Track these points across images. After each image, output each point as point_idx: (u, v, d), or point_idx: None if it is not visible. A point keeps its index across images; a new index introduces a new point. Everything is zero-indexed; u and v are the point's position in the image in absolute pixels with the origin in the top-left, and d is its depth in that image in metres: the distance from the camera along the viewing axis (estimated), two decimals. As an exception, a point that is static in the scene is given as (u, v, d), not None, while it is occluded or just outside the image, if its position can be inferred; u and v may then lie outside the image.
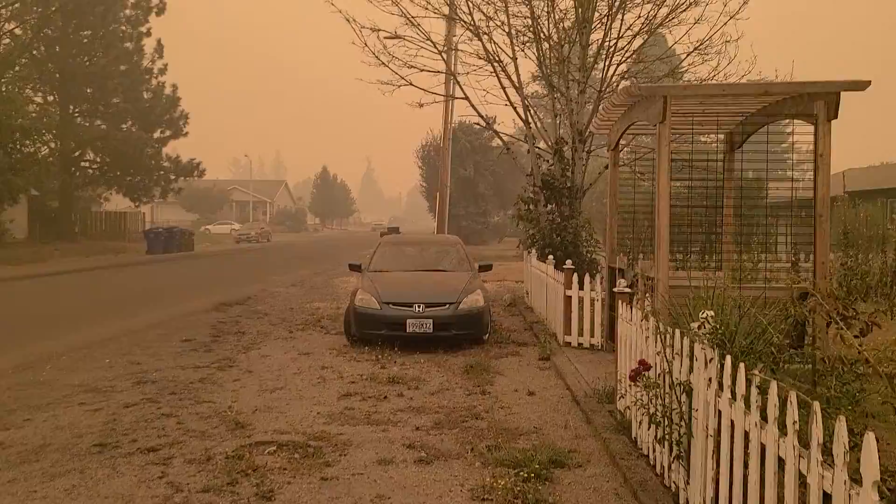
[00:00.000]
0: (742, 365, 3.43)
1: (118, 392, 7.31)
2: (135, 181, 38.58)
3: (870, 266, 15.24)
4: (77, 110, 37.89)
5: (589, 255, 14.73)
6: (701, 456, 3.96)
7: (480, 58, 14.58)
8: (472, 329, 10.13)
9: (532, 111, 15.38)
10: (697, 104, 7.91)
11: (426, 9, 14.57)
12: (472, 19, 14.54)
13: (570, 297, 9.93)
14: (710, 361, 3.84)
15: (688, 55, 15.18)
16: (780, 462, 3.02)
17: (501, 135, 16.47)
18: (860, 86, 6.43)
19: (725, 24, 14.31)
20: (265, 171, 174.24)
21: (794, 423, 2.87)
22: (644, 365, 4.84)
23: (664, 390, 4.54)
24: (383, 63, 14.54)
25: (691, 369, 4.20)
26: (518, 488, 4.70)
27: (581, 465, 5.29)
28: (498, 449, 5.54)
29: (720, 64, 14.24)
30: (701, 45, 14.81)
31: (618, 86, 14.97)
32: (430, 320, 9.76)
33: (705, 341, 3.93)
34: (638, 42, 14.54)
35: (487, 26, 14.57)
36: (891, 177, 27.86)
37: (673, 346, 4.50)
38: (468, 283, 10.57)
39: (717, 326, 4.04)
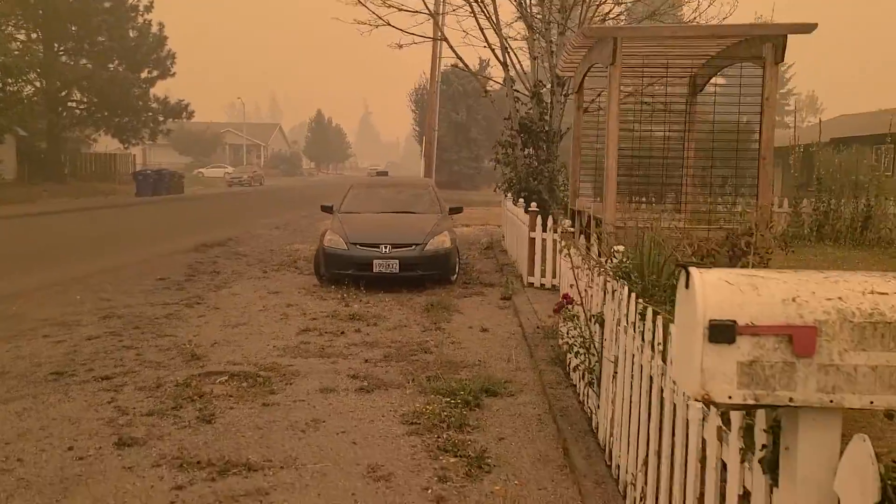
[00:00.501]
0: (633, 296, 3.64)
1: (83, 326, 7.56)
2: (123, 122, 38.33)
3: (841, 211, 15.43)
4: (62, 48, 37.35)
5: (565, 199, 14.87)
6: (606, 381, 4.21)
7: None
8: (439, 270, 10.35)
9: (512, 53, 15.30)
10: (658, 48, 7.96)
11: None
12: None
13: (534, 238, 10.13)
14: (614, 293, 4.05)
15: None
16: (652, 380, 3.26)
17: (481, 77, 16.38)
18: (806, 28, 6.50)
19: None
20: (261, 115, 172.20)
21: (659, 343, 3.10)
22: (567, 299, 5.06)
23: (584, 323, 4.77)
24: (360, 2, 14.39)
25: (604, 302, 4.42)
26: (445, 413, 4.98)
27: (513, 393, 5.57)
28: (437, 379, 5.80)
29: (700, 6, 14.12)
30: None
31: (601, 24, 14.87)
32: (397, 261, 9.97)
33: (610, 274, 4.13)
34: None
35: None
36: (876, 123, 27.78)
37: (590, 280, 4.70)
38: (436, 224, 10.75)
39: (624, 261, 4.24)
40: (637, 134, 9.23)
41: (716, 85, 9.17)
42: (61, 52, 37.56)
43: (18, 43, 34.07)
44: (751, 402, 1.72)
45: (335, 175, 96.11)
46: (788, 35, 6.62)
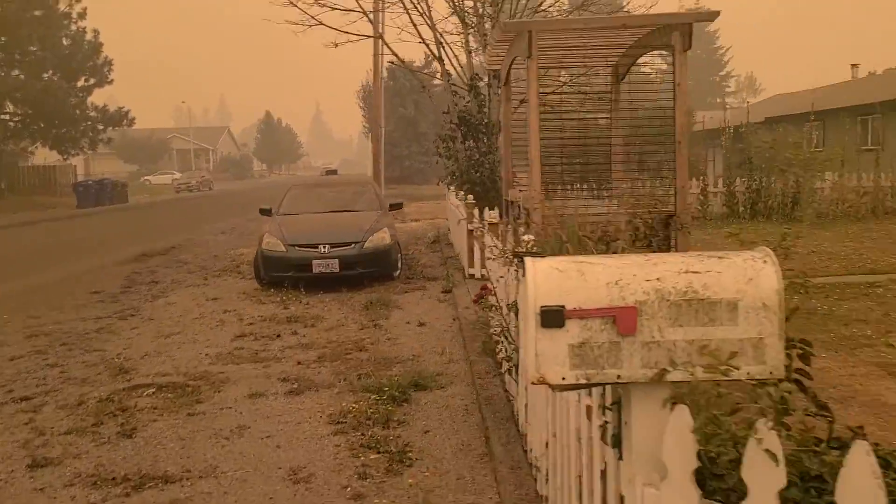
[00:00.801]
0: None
1: (7, 346, 7.40)
2: (60, 133, 37.36)
3: (773, 189, 15.90)
4: (-10, 61, 36.24)
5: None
6: (521, 368, 4.30)
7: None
8: (380, 267, 10.37)
9: (448, 48, 15.35)
10: (580, 39, 8.10)
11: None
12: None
13: (472, 230, 10.22)
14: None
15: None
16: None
17: (420, 73, 16.42)
18: (710, 16, 6.70)
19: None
20: (210, 118, 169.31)
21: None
22: (486, 289, 5.15)
23: (503, 311, 4.86)
24: (291, 2, 14.29)
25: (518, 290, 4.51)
26: (372, 410, 5.03)
27: (443, 386, 5.64)
28: (368, 377, 5.84)
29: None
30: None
31: (530, 17, 15.03)
32: (336, 260, 9.96)
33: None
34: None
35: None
36: (807, 102, 28.63)
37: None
38: (375, 222, 10.77)
39: (531, 247, 4.33)
40: (564, 123, 9.37)
41: (639, 73, 9.35)
42: (-10, 64, 36.41)
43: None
44: (583, 381, 1.81)
45: (287, 176, 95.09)
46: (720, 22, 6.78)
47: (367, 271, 10.22)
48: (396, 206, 11.89)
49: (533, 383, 1.84)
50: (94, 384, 5.98)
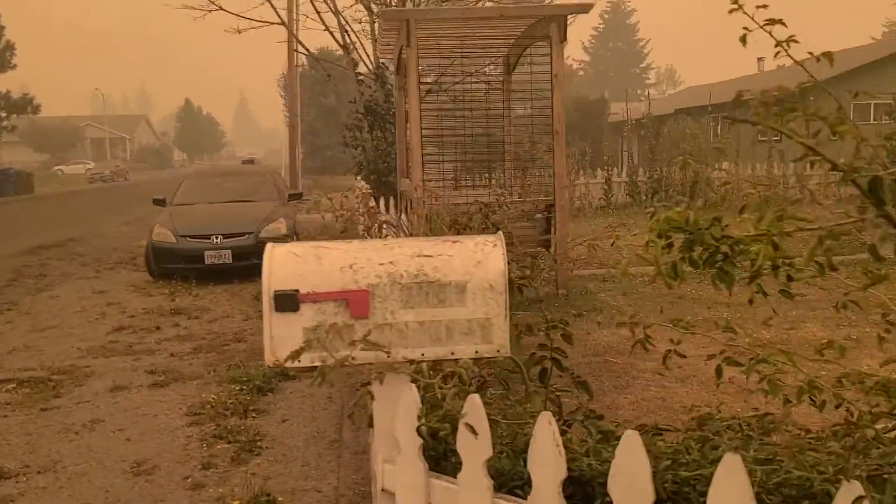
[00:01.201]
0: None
1: None
2: (-41, 120, 35.50)
3: (673, 178, 16.48)
4: None
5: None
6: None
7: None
8: (275, 257, 10.25)
9: (355, 36, 15.23)
10: (470, 28, 8.19)
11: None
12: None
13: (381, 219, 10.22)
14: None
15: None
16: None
17: (325, 63, 16.27)
18: (584, 8, 6.87)
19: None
20: (130, 107, 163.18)
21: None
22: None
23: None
24: (189, -13, 13.92)
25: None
26: (232, 401, 5.00)
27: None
28: (237, 368, 5.80)
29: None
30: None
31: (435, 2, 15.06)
32: (229, 251, 9.82)
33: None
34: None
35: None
36: (717, 93, 29.75)
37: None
38: (272, 212, 10.65)
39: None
40: (456, 114, 9.47)
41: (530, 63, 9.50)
42: None
43: None
44: (318, 363, 1.86)
45: (209, 165, 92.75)
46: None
47: (261, 262, 10.07)
48: (296, 196, 11.79)
49: (269, 366, 1.88)
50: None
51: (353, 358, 1.84)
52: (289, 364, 1.84)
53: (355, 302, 1.82)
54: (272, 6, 14.51)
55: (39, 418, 4.88)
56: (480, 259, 1.86)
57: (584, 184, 16.60)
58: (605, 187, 16.33)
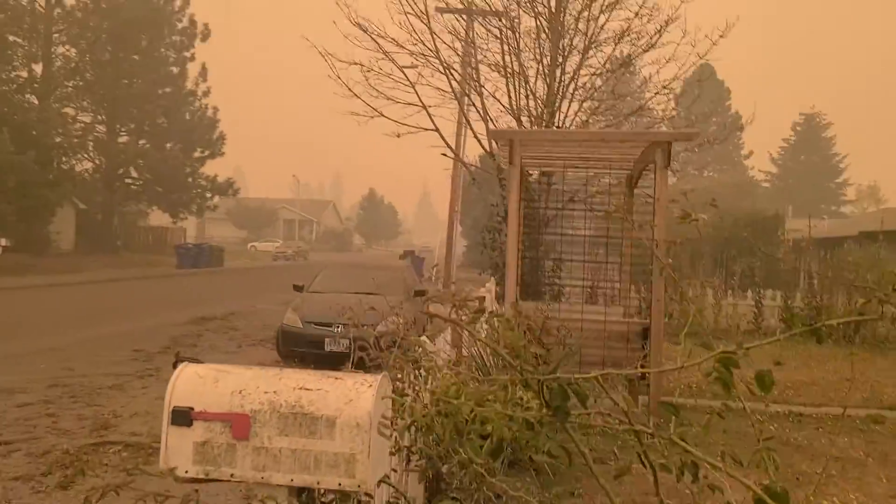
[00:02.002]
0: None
1: (25, 393, 8.15)
2: (173, 197, 40.52)
3: (834, 308, 15.20)
4: (123, 129, 40.18)
5: (553, 285, 15.13)
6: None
7: (446, 92, 15.28)
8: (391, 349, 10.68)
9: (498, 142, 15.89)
10: (586, 146, 8.40)
11: (400, 46, 15.33)
12: (440, 58, 15.24)
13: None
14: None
15: (655, 94, 15.55)
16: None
17: (471, 167, 17.06)
18: (689, 136, 6.86)
19: (694, 64, 14.64)
20: (324, 192, 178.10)
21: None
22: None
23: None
24: (355, 95, 15.34)
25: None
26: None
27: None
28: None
29: (681, 104, 14.57)
30: (668, 84, 15.18)
31: (584, 121, 15.45)
32: (348, 340, 10.38)
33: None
34: (600, 81, 14.98)
35: (454, 64, 15.28)
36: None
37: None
38: (393, 306, 11.15)
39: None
40: (576, 228, 9.59)
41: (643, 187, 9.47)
42: (122, 133, 40.37)
43: (81, 124, 36.84)
44: (202, 476, 2.08)
45: (385, 251, 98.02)
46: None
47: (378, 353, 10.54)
48: (420, 293, 12.28)
49: (161, 474, 2.13)
50: (71, 436, 6.55)
51: (232, 475, 2.05)
52: (179, 474, 2.08)
53: (237, 425, 2.04)
54: (428, 115, 15.58)
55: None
56: (352, 397, 2.03)
57: (732, 304, 15.77)
58: (756, 310, 15.39)
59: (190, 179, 40.61)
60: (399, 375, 4.36)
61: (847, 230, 26.67)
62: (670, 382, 9.53)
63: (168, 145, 40.42)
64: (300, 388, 2.06)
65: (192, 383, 2.11)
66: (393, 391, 2.29)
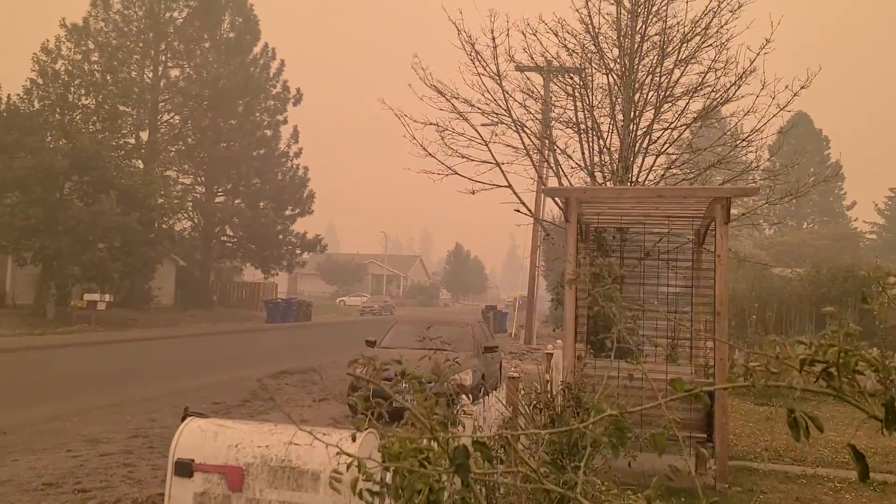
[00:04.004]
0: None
1: (108, 443, 8.62)
2: (265, 254, 42.24)
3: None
4: (220, 190, 42.50)
5: (625, 342, 14.83)
6: None
7: (518, 149, 15.50)
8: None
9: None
10: (651, 202, 8.36)
11: (473, 106, 15.73)
12: (512, 116, 15.53)
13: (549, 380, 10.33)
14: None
15: (734, 147, 15.29)
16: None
17: (545, 223, 17.10)
18: (749, 192, 6.74)
19: (774, 115, 14.34)
20: (413, 248, 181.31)
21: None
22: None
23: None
24: (430, 154, 15.77)
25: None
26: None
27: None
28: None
29: (762, 155, 14.28)
30: (749, 136, 14.91)
31: (661, 175, 15.31)
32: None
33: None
34: (675, 134, 14.86)
35: (526, 121, 15.52)
36: None
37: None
38: (462, 362, 11.22)
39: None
40: (642, 286, 9.46)
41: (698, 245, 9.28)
42: (219, 193, 42.69)
43: (181, 186, 39.26)
44: (200, 525, 2.22)
45: (472, 305, 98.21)
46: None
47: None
48: (490, 349, 12.30)
49: (165, 520, 2.28)
50: (143, 486, 6.88)
51: (226, 525, 2.19)
52: (179, 522, 2.23)
53: (231, 477, 2.18)
54: (502, 172, 15.83)
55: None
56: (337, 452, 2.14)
57: (822, 361, 14.94)
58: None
59: (281, 236, 42.29)
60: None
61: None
62: (745, 446, 9.13)
63: (261, 204, 42.38)
64: (290, 444, 2.19)
65: (194, 437, 2.27)
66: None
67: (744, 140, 15.06)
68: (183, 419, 2.41)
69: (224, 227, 42.03)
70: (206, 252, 40.94)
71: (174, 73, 40.09)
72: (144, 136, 36.96)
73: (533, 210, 23.69)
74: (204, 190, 41.71)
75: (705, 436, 7.19)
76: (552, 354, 10.45)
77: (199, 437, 2.22)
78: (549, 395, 5.09)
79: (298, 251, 43.10)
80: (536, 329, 27.92)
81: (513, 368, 16.47)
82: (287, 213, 42.84)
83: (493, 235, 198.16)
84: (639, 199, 7.62)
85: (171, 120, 39.59)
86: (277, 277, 48.89)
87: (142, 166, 33.53)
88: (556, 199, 7.98)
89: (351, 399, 9.36)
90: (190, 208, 39.41)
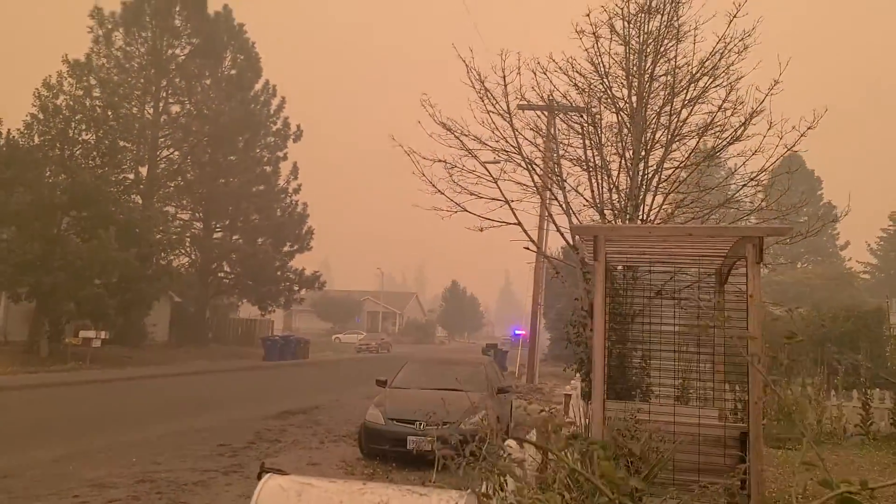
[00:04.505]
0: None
1: (115, 488, 8.29)
2: (263, 290, 41.89)
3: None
4: (218, 226, 42.32)
5: (641, 382, 14.56)
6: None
7: (527, 187, 15.42)
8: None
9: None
10: (673, 241, 8.22)
11: (483, 144, 15.68)
12: (522, 153, 15.49)
13: (570, 422, 10.07)
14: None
15: (742, 187, 15.26)
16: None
17: (554, 260, 16.97)
18: (782, 232, 6.61)
19: (783, 155, 14.32)
20: (408, 285, 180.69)
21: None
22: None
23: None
24: (439, 191, 15.67)
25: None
26: None
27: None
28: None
29: (770, 196, 14.24)
30: (756, 176, 14.89)
31: (669, 214, 15.23)
32: (432, 438, 10.17)
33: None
34: (684, 173, 14.82)
35: (536, 159, 15.46)
36: None
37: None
38: (477, 403, 10.94)
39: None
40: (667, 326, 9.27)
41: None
42: (217, 229, 42.51)
43: (180, 221, 39.10)
44: None
45: (468, 343, 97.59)
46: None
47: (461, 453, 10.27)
48: (504, 390, 12.03)
49: None
50: (155, 535, 6.57)
51: None
52: None
53: (320, 547, 1.96)
54: (511, 209, 15.73)
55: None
56: (437, 521, 1.93)
57: (836, 406, 14.71)
58: (863, 413, 14.28)
59: (279, 273, 42.02)
60: (484, 489, 4.19)
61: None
62: (772, 493, 8.87)
63: (259, 240, 42.19)
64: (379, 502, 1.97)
65: (275, 497, 2.06)
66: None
67: (752, 180, 15.04)
68: (259, 476, 2.19)
69: (221, 263, 41.75)
70: (202, 288, 40.58)
71: (175, 108, 40.20)
72: (144, 171, 36.90)
73: (538, 238, 23.58)
74: (202, 226, 41.52)
75: (739, 483, 6.93)
76: (570, 395, 10.19)
77: (280, 497, 2.01)
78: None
79: (297, 287, 42.80)
80: (538, 368, 27.61)
81: (524, 409, 16.17)
82: (286, 249, 42.63)
83: (487, 273, 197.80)
84: (668, 237, 7.48)
85: (171, 155, 39.60)
86: (274, 315, 48.47)
87: (140, 202, 33.41)
88: (581, 237, 7.83)
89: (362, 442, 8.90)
90: (188, 244, 39.16)
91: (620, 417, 7.62)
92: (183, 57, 40.31)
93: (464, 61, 15.87)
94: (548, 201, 16.01)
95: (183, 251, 37.31)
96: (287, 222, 43.02)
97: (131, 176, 34.08)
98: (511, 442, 5.53)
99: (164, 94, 39.98)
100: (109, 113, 30.08)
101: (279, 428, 13.78)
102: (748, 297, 6.79)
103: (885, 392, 15.27)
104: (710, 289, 9.55)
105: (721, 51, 14.61)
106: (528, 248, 16.73)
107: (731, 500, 7.11)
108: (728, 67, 14.63)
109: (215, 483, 8.83)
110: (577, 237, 15.38)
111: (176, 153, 39.77)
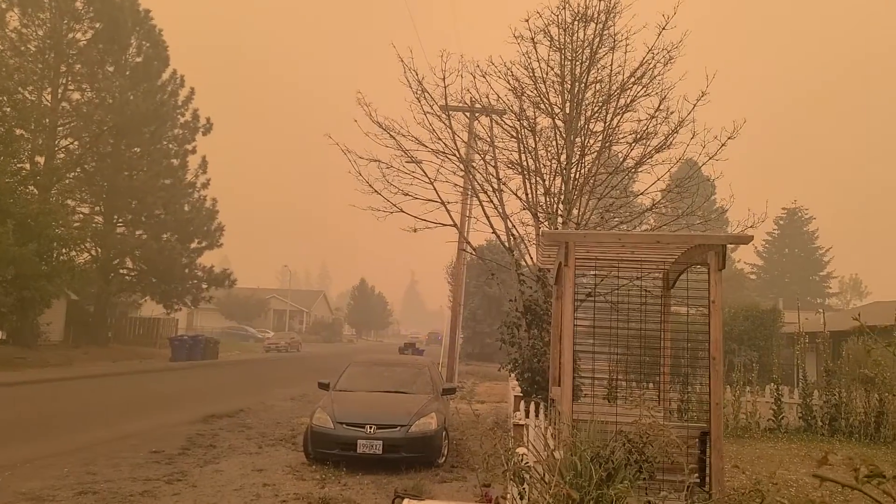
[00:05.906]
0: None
1: (54, 501, 7.80)
2: (168, 288, 40.19)
3: (854, 405, 15.05)
4: (120, 220, 40.24)
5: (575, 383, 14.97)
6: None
7: (460, 188, 15.55)
8: (424, 452, 10.40)
9: (519, 238, 16.09)
10: (625, 248, 8.49)
11: (420, 144, 15.68)
12: (460, 154, 15.59)
13: (519, 424, 10.21)
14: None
15: (667, 193, 15.93)
16: None
17: (488, 261, 17.19)
18: (743, 240, 6.95)
19: (704, 164, 15.05)
20: (311, 282, 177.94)
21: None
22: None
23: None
24: (376, 191, 15.56)
25: None
26: None
27: None
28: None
29: (695, 203, 14.91)
30: (679, 185, 15.59)
31: (601, 217, 15.73)
32: (381, 442, 10.10)
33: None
34: (615, 179, 15.34)
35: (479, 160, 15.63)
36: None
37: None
38: (424, 405, 10.94)
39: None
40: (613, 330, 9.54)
41: (688, 281, 9.53)
42: (120, 224, 40.41)
43: (79, 216, 36.95)
44: None
45: (375, 342, 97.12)
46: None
47: (411, 456, 10.26)
48: (449, 391, 12.08)
49: None
50: (116, 551, 6.22)
51: None
52: None
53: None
54: (447, 211, 15.82)
55: None
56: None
57: (751, 401, 15.59)
58: (775, 408, 15.22)
59: (186, 270, 40.43)
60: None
61: (845, 323, 26.77)
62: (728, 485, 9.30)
63: (165, 236, 40.41)
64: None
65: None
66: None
67: (677, 187, 15.74)
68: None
69: (124, 260, 39.75)
70: (103, 285, 38.49)
71: (76, 96, 37.94)
72: (41, 161, 34.63)
73: (459, 241, 23.79)
74: (103, 220, 39.37)
75: (699, 479, 7.25)
76: (520, 398, 10.35)
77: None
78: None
79: (205, 286, 41.30)
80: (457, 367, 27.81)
81: (466, 410, 16.24)
82: (193, 245, 41.04)
83: (392, 271, 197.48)
84: (637, 244, 7.72)
85: (71, 145, 37.35)
86: (179, 313, 46.59)
87: (37, 193, 31.35)
88: (550, 242, 7.97)
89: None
90: (88, 239, 37.03)
91: (584, 419, 7.75)
92: (84, 42, 38.04)
93: (401, 60, 15.84)
94: (482, 203, 16.21)
95: (84, 247, 35.25)
96: (195, 218, 41.42)
97: (28, 166, 31.93)
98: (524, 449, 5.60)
99: (64, 81, 37.61)
100: (4, 98, 28.08)
101: (210, 433, 13.29)
102: (710, 302, 7.10)
103: (795, 388, 16.33)
104: (657, 292, 9.90)
105: (649, 61, 15.22)
106: (465, 251, 16.89)
107: (692, 497, 7.44)
108: (653, 78, 15.28)
109: (162, 493, 8.44)
110: (511, 237, 15.65)
111: (76, 143, 37.53)
